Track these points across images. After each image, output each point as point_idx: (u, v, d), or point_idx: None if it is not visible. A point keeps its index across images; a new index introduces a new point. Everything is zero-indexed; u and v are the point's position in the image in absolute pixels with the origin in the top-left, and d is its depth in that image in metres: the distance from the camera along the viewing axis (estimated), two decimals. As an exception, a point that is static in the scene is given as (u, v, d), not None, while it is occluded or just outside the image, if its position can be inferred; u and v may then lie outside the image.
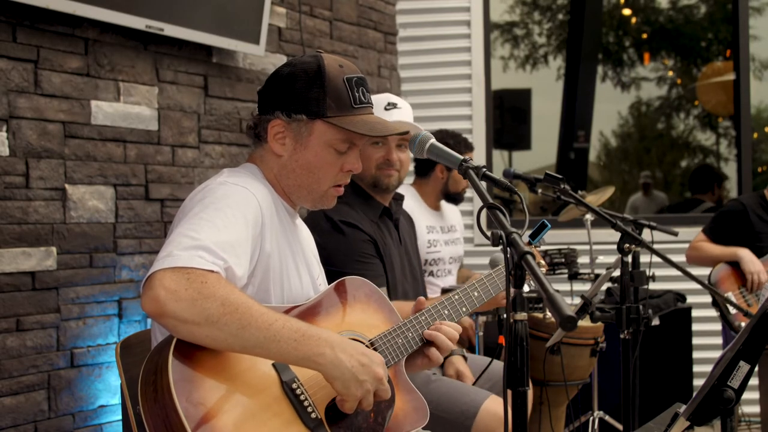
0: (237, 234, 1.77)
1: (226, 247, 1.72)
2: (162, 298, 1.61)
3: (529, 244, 2.52)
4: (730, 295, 3.95)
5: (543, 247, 3.51)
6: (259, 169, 2.04)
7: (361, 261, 2.66)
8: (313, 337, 1.73)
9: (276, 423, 1.73)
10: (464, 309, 2.23)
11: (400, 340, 2.05)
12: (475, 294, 2.30)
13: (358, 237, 2.69)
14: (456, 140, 3.91)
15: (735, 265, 4.01)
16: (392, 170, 2.90)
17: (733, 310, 3.90)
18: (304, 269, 2.08)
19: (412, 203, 3.76)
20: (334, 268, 2.36)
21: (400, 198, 3.02)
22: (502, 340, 2.94)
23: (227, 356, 1.73)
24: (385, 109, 2.89)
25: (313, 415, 1.78)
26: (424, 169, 3.90)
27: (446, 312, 2.18)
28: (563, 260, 3.62)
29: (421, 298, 2.21)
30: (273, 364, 1.79)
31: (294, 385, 1.79)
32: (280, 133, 2.00)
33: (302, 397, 1.79)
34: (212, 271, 1.66)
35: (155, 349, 1.75)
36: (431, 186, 3.91)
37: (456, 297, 2.23)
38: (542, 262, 2.89)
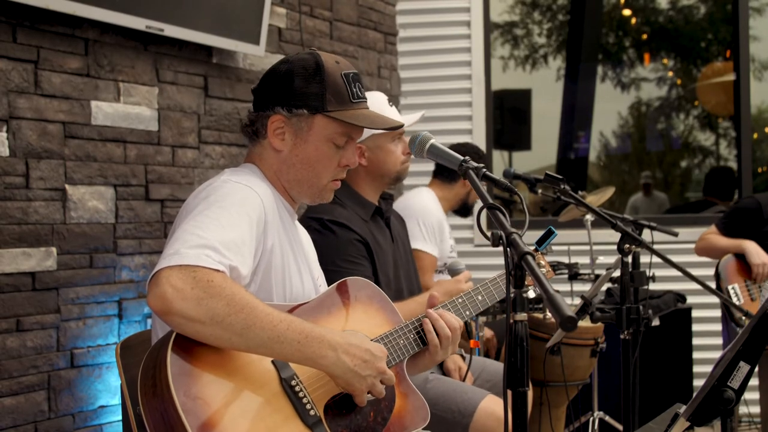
0: (241, 233, 1.78)
1: (232, 247, 1.73)
2: (169, 296, 1.62)
3: (536, 251, 2.52)
4: (736, 287, 3.96)
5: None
6: (258, 169, 2.05)
7: (349, 261, 2.66)
8: (317, 339, 1.74)
9: (275, 419, 1.73)
10: (468, 312, 2.24)
11: (401, 341, 2.05)
12: (479, 298, 2.30)
13: (348, 237, 2.70)
14: (467, 149, 3.95)
15: (741, 258, 4.02)
16: (408, 163, 2.94)
17: (736, 302, 3.91)
18: (305, 269, 2.08)
19: (434, 206, 3.79)
20: (323, 267, 2.37)
21: (389, 197, 3.03)
22: (473, 344, 2.95)
23: (227, 352, 1.73)
24: (390, 104, 2.91)
25: (312, 413, 1.79)
26: (450, 174, 3.88)
27: None
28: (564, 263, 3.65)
29: (434, 292, 2.21)
30: (272, 361, 1.79)
31: (293, 383, 1.79)
32: (280, 129, 2.01)
33: (301, 395, 1.79)
34: (218, 271, 1.67)
35: (155, 345, 1.76)
36: (453, 193, 3.92)
37: (460, 300, 2.24)
38: (542, 262, 2.89)
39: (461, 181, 3.84)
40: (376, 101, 2.83)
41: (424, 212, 3.75)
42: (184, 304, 1.62)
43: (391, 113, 2.82)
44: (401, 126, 2.13)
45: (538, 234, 2.46)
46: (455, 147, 4.11)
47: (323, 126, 2.00)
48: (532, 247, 2.44)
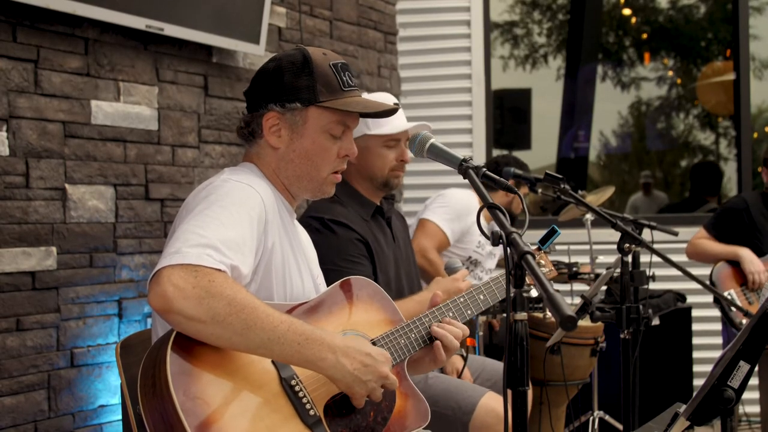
0: (242, 232, 1.78)
1: (233, 246, 1.73)
2: (170, 295, 1.62)
3: (539, 249, 2.52)
4: (732, 293, 3.94)
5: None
6: (257, 167, 2.05)
7: (349, 260, 2.66)
8: (317, 341, 1.74)
9: (274, 419, 1.73)
10: (469, 312, 2.24)
11: (402, 341, 2.05)
12: (481, 297, 2.30)
13: (348, 236, 2.69)
14: (508, 159, 4.04)
15: (735, 264, 4.00)
16: (402, 171, 2.91)
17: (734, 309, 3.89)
18: (305, 268, 2.09)
19: (470, 202, 3.91)
20: (323, 267, 2.38)
21: (391, 198, 3.03)
22: (470, 342, 2.95)
23: (227, 351, 1.73)
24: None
25: (311, 413, 1.79)
26: (491, 183, 3.96)
27: (450, 314, 2.18)
28: (564, 263, 3.65)
29: (438, 292, 2.21)
30: (272, 361, 1.79)
31: (293, 382, 1.79)
32: (276, 125, 2.01)
33: (301, 394, 1.79)
34: (220, 270, 1.67)
35: (155, 344, 1.76)
36: (495, 201, 3.97)
37: (461, 300, 2.24)
38: (543, 262, 2.89)
39: (497, 193, 3.89)
40: (384, 102, 2.82)
41: (452, 196, 3.84)
42: (185, 303, 1.62)
43: (397, 115, 2.81)
44: (395, 110, 2.12)
45: (538, 233, 2.46)
46: (497, 159, 4.21)
47: (317, 117, 2.00)
48: (535, 246, 2.44)
